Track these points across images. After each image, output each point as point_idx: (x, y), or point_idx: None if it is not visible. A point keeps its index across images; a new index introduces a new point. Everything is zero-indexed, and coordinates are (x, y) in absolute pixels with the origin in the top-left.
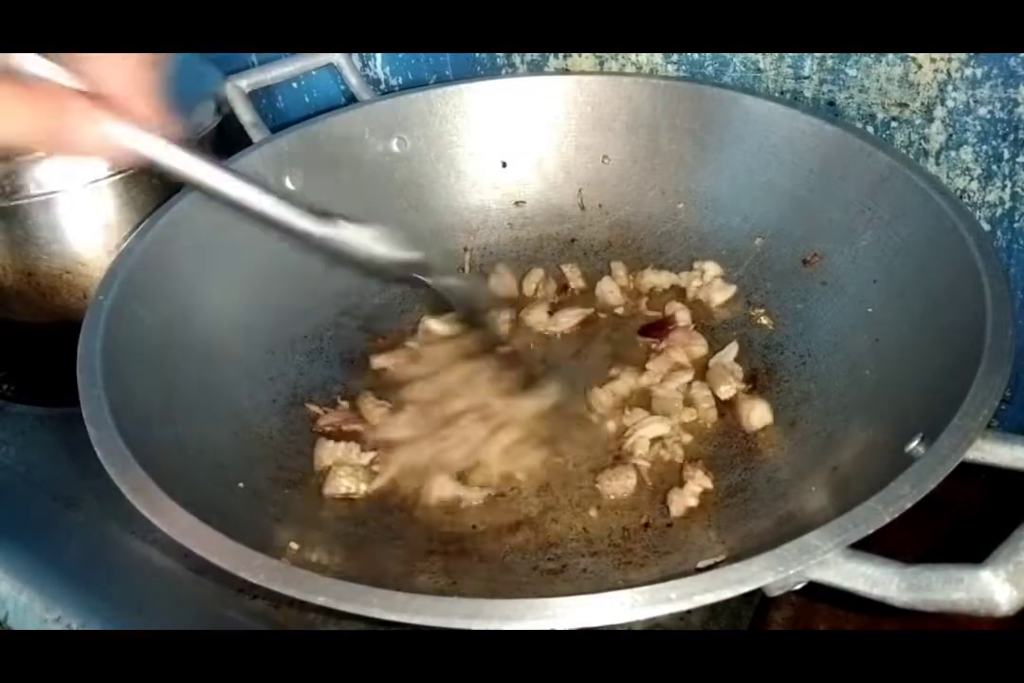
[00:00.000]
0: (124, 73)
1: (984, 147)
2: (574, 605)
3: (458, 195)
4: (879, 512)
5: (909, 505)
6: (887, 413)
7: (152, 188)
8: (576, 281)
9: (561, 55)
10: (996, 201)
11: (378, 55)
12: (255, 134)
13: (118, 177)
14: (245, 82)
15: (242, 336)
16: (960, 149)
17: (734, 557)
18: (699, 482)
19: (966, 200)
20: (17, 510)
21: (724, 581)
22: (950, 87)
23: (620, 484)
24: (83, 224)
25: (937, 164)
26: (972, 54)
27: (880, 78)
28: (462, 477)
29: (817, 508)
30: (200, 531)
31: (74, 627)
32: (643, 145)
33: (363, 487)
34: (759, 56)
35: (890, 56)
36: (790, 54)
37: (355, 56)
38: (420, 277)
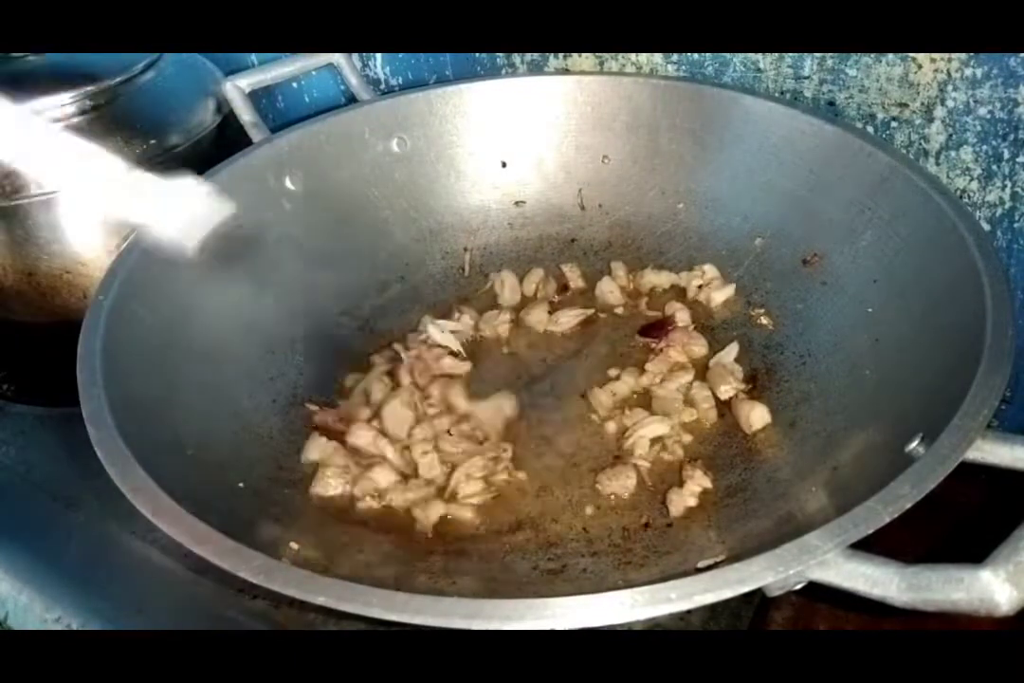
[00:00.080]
0: None
1: (984, 147)
2: (574, 605)
3: (458, 195)
4: (879, 512)
5: (909, 505)
6: (887, 413)
7: None
8: (576, 281)
9: (561, 55)
10: (996, 201)
11: (378, 55)
12: (255, 134)
13: None
14: (245, 82)
15: (242, 336)
16: (960, 149)
17: (734, 557)
18: (699, 482)
19: (966, 200)
20: (17, 510)
21: (724, 581)
22: (950, 87)
23: (620, 484)
24: (83, 224)
25: (937, 164)
26: (972, 54)
27: (880, 78)
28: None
29: (817, 508)
30: (200, 531)
31: (74, 627)
32: (643, 145)
33: (349, 489)
34: (759, 56)
35: (890, 56)
36: (790, 54)
37: (355, 56)
38: None
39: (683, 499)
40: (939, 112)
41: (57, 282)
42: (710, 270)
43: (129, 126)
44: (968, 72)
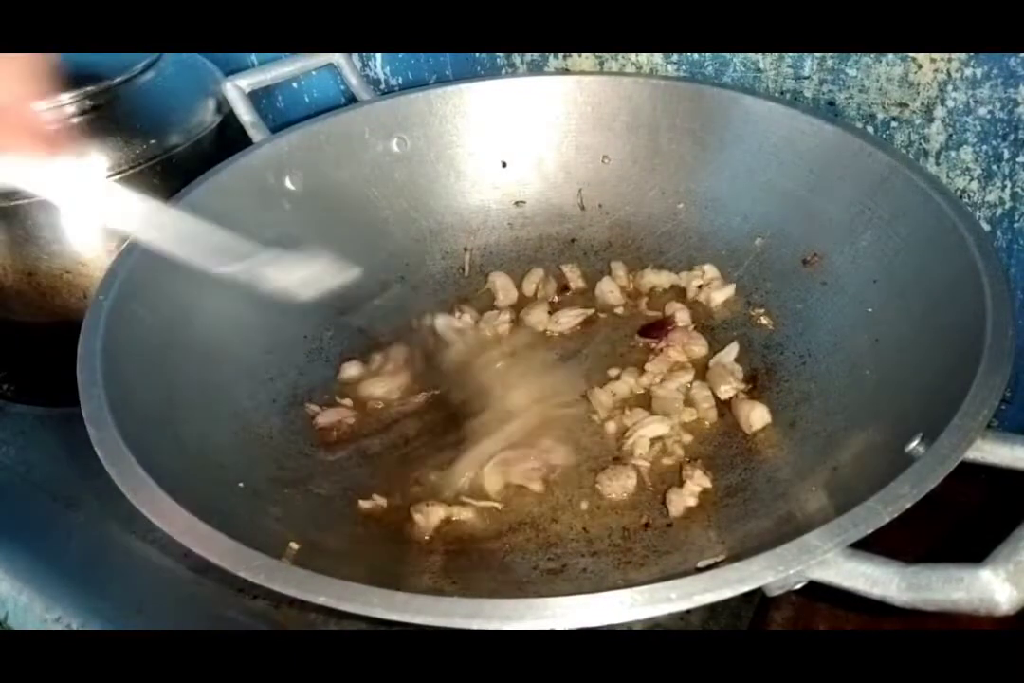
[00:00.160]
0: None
1: (984, 147)
2: (574, 605)
3: (458, 195)
4: (879, 512)
5: (909, 505)
6: (887, 413)
7: (152, 188)
8: (576, 281)
9: (561, 55)
10: (996, 201)
11: (378, 55)
12: (255, 134)
13: (118, 177)
14: (245, 82)
15: (242, 336)
16: (960, 149)
17: (734, 557)
18: (698, 482)
19: (966, 200)
20: (17, 510)
21: (724, 581)
22: (950, 87)
23: (620, 484)
24: (83, 224)
25: (937, 164)
26: (972, 54)
27: (880, 78)
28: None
29: (817, 508)
30: (200, 531)
31: (74, 627)
32: (643, 145)
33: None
34: (759, 56)
35: (890, 56)
36: (790, 54)
37: (355, 56)
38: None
39: (683, 499)
40: (939, 112)
41: (57, 282)
42: (710, 270)
43: (129, 126)
44: (968, 72)
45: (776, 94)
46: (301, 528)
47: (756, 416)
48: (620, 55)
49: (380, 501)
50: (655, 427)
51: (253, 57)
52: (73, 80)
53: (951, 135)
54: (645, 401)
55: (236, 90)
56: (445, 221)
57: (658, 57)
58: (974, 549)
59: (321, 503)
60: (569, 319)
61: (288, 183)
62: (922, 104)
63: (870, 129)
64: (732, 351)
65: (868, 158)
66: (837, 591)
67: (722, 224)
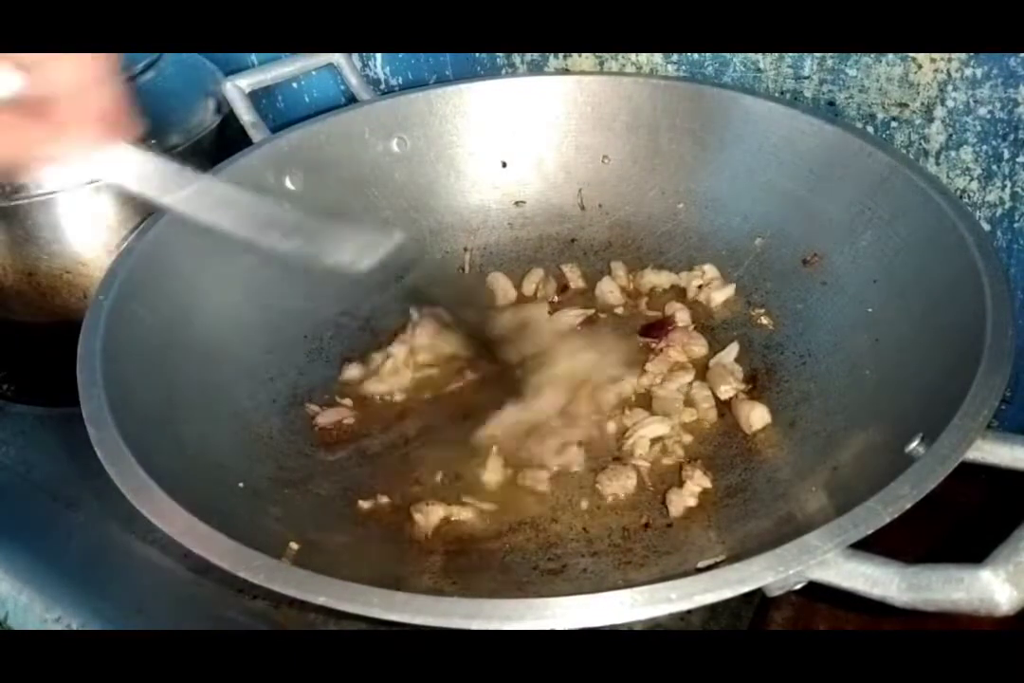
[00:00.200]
0: (79, 77)
1: (984, 147)
2: (574, 605)
3: (458, 195)
4: (879, 512)
5: (909, 505)
6: (887, 413)
7: None
8: (576, 281)
9: (561, 55)
10: (996, 201)
11: (378, 55)
12: (255, 134)
13: None
14: (245, 82)
15: (242, 336)
16: (960, 149)
17: (734, 557)
18: (698, 482)
19: (966, 200)
20: (17, 510)
21: (724, 581)
22: (950, 87)
23: (620, 484)
24: (83, 224)
25: (937, 164)
26: (972, 54)
27: (880, 78)
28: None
29: (817, 508)
30: (200, 531)
31: (74, 627)
32: (643, 145)
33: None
34: (759, 56)
35: (890, 56)
36: (790, 54)
37: (355, 56)
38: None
39: (683, 499)
40: (939, 112)
41: (57, 282)
42: (710, 270)
43: None
44: (968, 72)
45: (776, 94)
46: (301, 528)
47: (756, 416)
48: (620, 55)
49: (380, 501)
50: (655, 427)
51: (253, 57)
52: None
53: (951, 135)
54: (645, 401)
55: (236, 90)
56: (445, 221)
57: (658, 57)
58: (974, 549)
59: (321, 503)
60: (569, 319)
61: (288, 183)
62: (922, 104)
63: (870, 129)
64: (732, 351)
65: (868, 158)
66: (837, 591)
67: (722, 224)
